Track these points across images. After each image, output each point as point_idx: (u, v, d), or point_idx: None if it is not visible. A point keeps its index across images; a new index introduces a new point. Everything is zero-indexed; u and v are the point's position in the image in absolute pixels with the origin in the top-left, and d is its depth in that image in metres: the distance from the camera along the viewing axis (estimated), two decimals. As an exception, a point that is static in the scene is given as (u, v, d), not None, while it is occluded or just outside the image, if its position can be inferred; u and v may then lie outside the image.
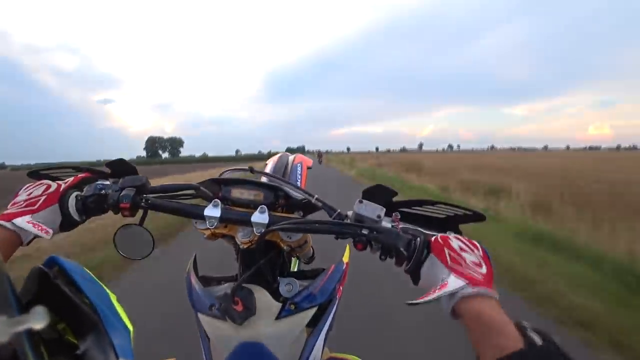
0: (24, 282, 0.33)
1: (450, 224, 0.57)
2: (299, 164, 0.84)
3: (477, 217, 0.56)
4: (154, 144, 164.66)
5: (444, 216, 0.57)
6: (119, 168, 0.63)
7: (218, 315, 0.56)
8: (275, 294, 0.60)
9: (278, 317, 0.57)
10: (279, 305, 0.58)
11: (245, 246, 0.60)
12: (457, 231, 0.56)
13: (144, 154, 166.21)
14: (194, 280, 0.64)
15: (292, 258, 0.89)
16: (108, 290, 0.37)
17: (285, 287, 0.62)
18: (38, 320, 0.21)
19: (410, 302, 0.41)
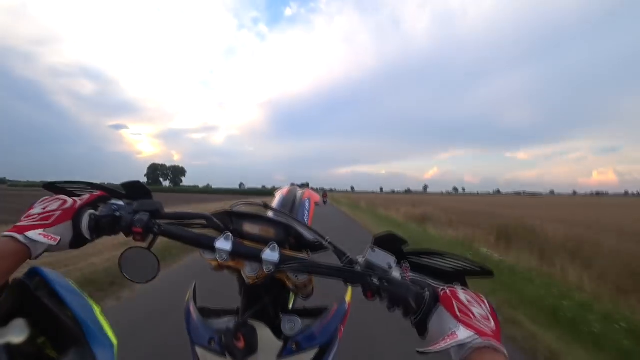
0: (3, 293, 0.31)
1: (458, 276, 0.57)
2: (307, 200, 0.84)
3: (485, 272, 0.56)
4: (155, 171, 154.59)
5: (452, 270, 0.57)
6: (134, 190, 0.63)
7: (217, 350, 0.55)
8: (277, 331, 0.60)
9: (279, 356, 0.56)
10: (280, 343, 0.57)
11: (251, 281, 0.58)
12: (465, 284, 0.56)
13: (145, 180, 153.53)
14: (193, 311, 0.62)
15: (291, 293, 0.89)
16: (92, 303, 0.36)
17: (288, 325, 0.61)
18: (17, 334, 0.20)
19: (421, 349, 0.41)
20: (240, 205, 0.71)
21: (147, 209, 0.58)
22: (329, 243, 0.59)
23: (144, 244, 0.58)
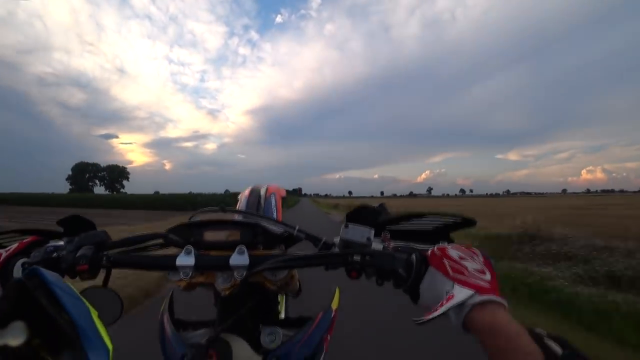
0: (2, 293, 0.31)
1: (441, 234, 0.55)
2: (272, 195, 0.80)
3: (468, 222, 0.54)
4: (83, 174, 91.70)
5: (433, 228, 0.55)
6: (74, 225, 0.56)
7: None
8: (257, 345, 0.55)
9: None
10: (259, 358, 0.53)
11: (227, 292, 0.53)
12: (450, 240, 0.54)
13: (69, 188, 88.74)
14: (167, 323, 0.59)
15: (279, 295, 0.83)
16: (90, 306, 0.35)
17: (268, 337, 0.57)
18: (15, 336, 0.20)
19: (418, 319, 0.38)
20: (198, 215, 0.67)
21: (91, 242, 0.52)
22: (299, 231, 0.56)
23: (98, 282, 0.53)
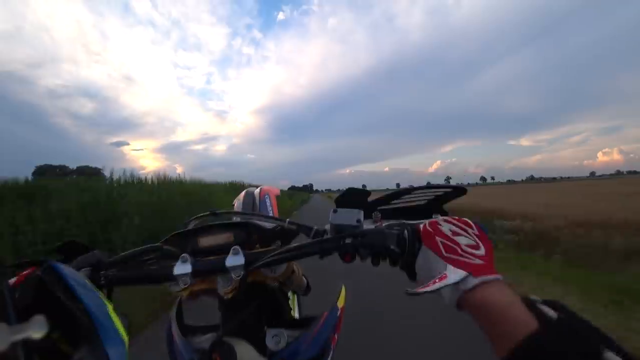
0: (20, 288, 0.32)
1: (434, 207, 0.54)
2: (266, 196, 0.82)
3: (458, 191, 0.53)
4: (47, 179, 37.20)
5: (425, 202, 0.54)
6: (71, 250, 0.56)
7: None
8: (262, 347, 0.54)
9: None
10: None
11: (230, 295, 0.53)
12: (443, 212, 0.53)
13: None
14: (174, 329, 0.59)
15: (289, 294, 0.85)
16: (105, 300, 0.36)
17: (273, 339, 0.56)
18: (37, 329, 0.21)
19: (410, 291, 0.38)
20: (191, 222, 0.67)
21: (87, 264, 0.52)
22: (290, 223, 0.55)
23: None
